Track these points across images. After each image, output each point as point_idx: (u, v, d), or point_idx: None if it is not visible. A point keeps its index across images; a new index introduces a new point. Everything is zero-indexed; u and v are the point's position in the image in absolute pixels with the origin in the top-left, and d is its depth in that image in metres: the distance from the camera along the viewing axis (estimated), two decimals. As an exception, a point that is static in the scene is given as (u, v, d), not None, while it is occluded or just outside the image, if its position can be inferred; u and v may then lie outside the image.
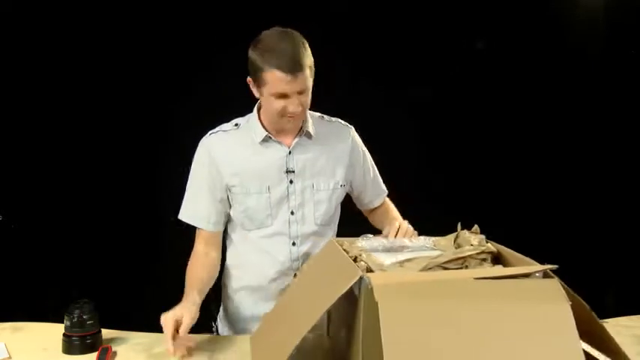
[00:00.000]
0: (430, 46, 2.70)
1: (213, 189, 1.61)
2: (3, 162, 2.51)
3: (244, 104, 1.67)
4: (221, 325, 1.78)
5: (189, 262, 1.62)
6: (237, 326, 1.73)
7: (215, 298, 1.78)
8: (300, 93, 1.48)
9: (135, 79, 2.54)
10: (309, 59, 1.48)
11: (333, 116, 1.75)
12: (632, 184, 2.81)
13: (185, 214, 1.66)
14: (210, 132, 1.65)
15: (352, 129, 1.74)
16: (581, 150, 2.82)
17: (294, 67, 1.44)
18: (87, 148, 2.59)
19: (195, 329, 1.61)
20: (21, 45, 2.49)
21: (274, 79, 1.45)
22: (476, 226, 1.40)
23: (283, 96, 1.47)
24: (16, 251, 2.51)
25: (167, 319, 1.36)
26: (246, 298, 1.69)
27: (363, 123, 1.79)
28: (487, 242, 1.29)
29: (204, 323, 1.77)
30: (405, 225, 1.50)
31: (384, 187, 1.85)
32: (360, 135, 1.77)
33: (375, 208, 1.85)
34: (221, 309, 1.79)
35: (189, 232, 1.68)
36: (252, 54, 1.50)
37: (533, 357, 0.98)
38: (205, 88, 2.55)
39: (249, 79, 1.54)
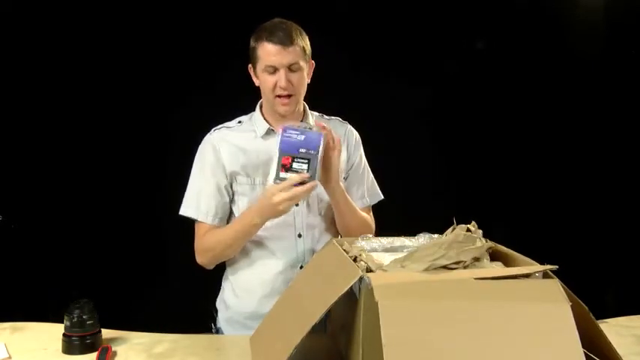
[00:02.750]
0: (430, 46, 2.70)
1: (218, 181, 1.62)
2: (3, 162, 2.50)
3: (244, 107, 1.68)
4: (223, 325, 1.74)
5: (205, 244, 1.62)
6: (240, 324, 1.69)
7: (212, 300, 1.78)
8: (291, 69, 1.52)
9: (134, 81, 2.54)
10: (302, 41, 1.54)
11: (332, 115, 1.76)
12: (632, 184, 2.81)
13: (189, 209, 1.65)
14: (213, 129, 1.68)
15: (350, 126, 1.75)
16: (582, 150, 2.81)
17: (282, 39, 1.50)
18: (87, 148, 2.58)
19: (194, 329, 1.61)
20: (21, 45, 2.48)
21: (264, 51, 1.51)
22: (473, 223, 1.39)
23: (274, 70, 1.52)
24: (16, 251, 2.50)
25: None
26: (251, 294, 1.67)
27: (363, 122, 1.79)
28: (486, 240, 1.29)
29: (203, 324, 1.77)
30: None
31: (378, 191, 1.78)
32: (360, 134, 1.77)
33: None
34: (222, 308, 1.75)
35: (188, 232, 1.68)
36: (251, 42, 1.57)
37: (533, 357, 0.98)
38: (204, 92, 2.54)
39: (249, 66, 1.60)
